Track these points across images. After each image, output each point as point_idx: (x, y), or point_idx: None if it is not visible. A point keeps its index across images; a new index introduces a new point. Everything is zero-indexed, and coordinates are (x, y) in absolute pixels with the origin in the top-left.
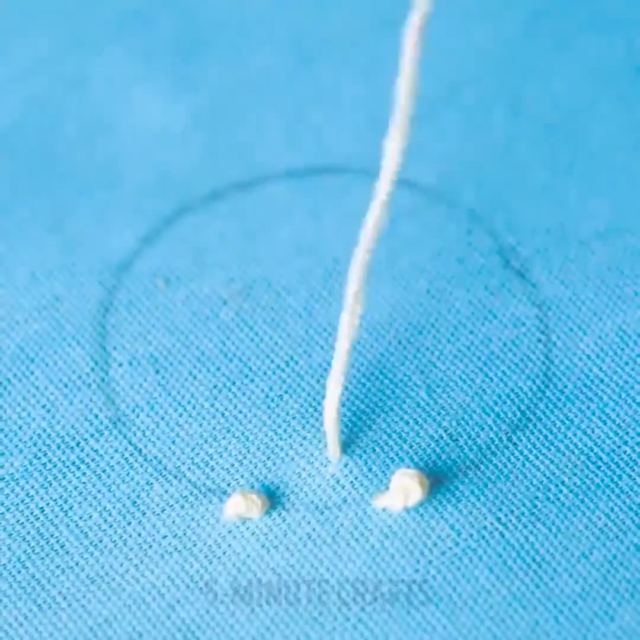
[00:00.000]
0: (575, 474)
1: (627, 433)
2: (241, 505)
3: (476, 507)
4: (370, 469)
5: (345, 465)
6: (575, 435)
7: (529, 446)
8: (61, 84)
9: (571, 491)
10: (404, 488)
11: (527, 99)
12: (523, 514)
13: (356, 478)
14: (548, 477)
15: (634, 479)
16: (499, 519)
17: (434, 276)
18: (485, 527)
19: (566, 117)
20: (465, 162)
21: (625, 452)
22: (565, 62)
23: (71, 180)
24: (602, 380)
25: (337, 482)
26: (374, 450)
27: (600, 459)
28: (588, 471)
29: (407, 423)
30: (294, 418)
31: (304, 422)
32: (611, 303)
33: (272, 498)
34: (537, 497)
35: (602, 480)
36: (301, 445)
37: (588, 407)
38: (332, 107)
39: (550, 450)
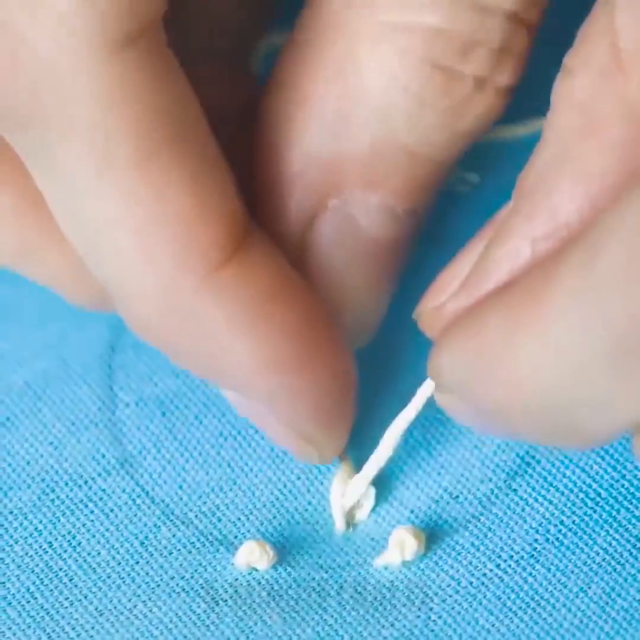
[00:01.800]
0: (574, 512)
1: (625, 466)
2: (254, 553)
3: (476, 557)
4: (372, 538)
5: (348, 530)
6: (574, 473)
7: (529, 490)
8: None
9: (570, 529)
10: (400, 542)
11: None
12: (522, 557)
13: (358, 545)
14: (547, 519)
15: (632, 511)
16: (498, 565)
17: None
18: (484, 574)
19: None
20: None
21: (623, 486)
22: None
23: None
24: None
25: (341, 549)
26: (376, 520)
27: (599, 494)
28: (587, 508)
29: (408, 488)
30: (298, 478)
31: (308, 484)
32: None
33: (279, 553)
34: (536, 540)
35: (601, 516)
36: (306, 510)
37: None
38: None
39: (549, 491)
